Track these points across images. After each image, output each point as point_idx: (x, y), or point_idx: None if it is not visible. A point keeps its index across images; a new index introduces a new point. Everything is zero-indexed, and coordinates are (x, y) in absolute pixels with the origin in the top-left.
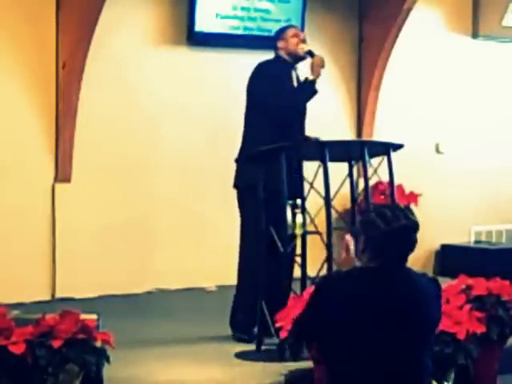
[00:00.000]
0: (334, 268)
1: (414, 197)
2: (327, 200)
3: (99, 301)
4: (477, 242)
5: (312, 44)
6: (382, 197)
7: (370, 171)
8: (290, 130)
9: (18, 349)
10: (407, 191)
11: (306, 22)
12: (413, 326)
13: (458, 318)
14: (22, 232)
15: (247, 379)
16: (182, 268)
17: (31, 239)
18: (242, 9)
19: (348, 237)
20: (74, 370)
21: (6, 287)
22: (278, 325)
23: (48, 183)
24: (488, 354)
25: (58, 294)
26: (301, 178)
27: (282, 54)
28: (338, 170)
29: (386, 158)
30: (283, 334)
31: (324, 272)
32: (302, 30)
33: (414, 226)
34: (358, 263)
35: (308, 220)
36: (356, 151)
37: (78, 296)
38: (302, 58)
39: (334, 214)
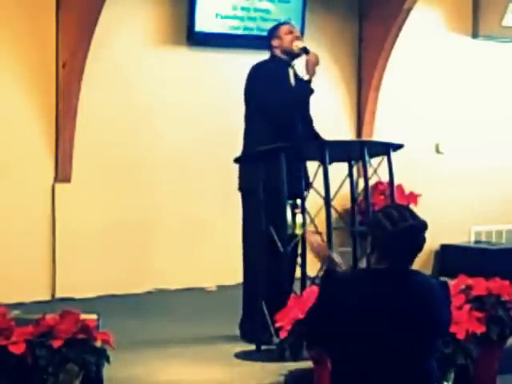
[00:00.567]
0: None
1: (413, 197)
2: (327, 200)
3: (99, 301)
4: (477, 242)
5: (312, 44)
6: (382, 197)
7: (369, 171)
8: (289, 130)
9: (17, 349)
10: (407, 191)
11: (306, 21)
12: (420, 328)
13: (457, 318)
14: (22, 232)
15: (247, 379)
16: (182, 268)
17: (31, 239)
18: (242, 9)
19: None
20: (74, 369)
21: (6, 287)
22: (277, 325)
23: (48, 183)
24: (488, 354)
25: (58, 294)
26: (301, 178)
27: (278, 52)
28: (338, 170)
29: (385, 158)
30: (283, 334)
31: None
32: (302, 30)
33: (422, 226)
34: (332, 253)
35: (308, 220)
36: (356, 151)
37: (77, 296)
38: (297, 55)
39: (333, 214)
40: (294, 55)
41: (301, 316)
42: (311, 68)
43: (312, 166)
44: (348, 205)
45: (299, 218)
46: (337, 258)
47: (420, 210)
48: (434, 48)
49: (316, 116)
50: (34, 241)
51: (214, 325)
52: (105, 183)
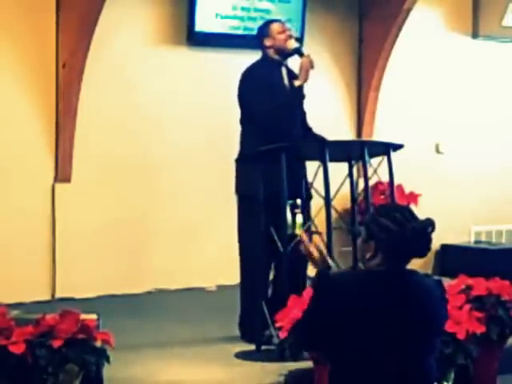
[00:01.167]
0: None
1: (413, 197)
2: (327, 200)
3: (99, 301)
4: (477, 242)
5: (312, 44)
6: (382, 197)
7: (369, 171)
8: (282, 135)
9: (18, 349)
10: (407, 191)
11: (306, 22)
12: (420, 328)
13: (457, 318)
14: (22, 232)
15: (247, 379)
16: (182, 268)
17: (31, 239)
18: (242, 9)
19: (304, 235)
20: (74, 369)
21: (6, 287)
22: (277, 325)
23: (48, 183)
24: (488, 354)
25: (58, 294)
26: (301, 179)
27: (271, 52)
28: (338, 170)
29: (385, 158)
30: (283, 334)
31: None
32: (302, 30)
33: (429, 225)
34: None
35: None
36: (356, 151)
37: (77, 296)
38: (290, 55)
39: (333, 214)
40: (287, 54)
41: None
42: (304, 73)
43: (312, 166)
44: (348, 205)
45: (299, 218)
46: (329, 260)
47: (420, 210)
48: (434, 48)
49: (316, 116)
50: (34, 241)
51: (214, 325)
52: (105, 183)
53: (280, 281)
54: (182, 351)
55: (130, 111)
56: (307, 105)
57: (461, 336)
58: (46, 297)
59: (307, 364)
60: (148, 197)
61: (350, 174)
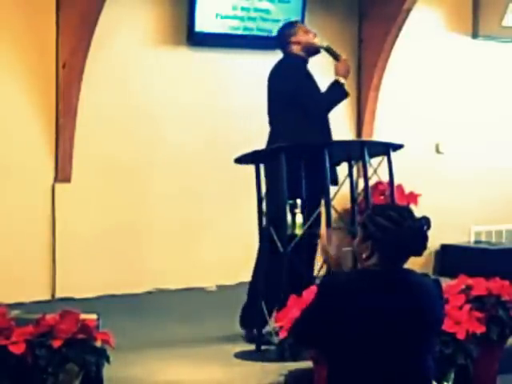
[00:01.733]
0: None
1: (413, 197)
2: (327, 200)
3: (99, 301)
4: (477, 242)
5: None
6: (382, 197)
7: (369, 171)
8: (323, 127)
9: (18, 349)
10: (407, 191)
11: (306, 22)
12: (419, 327)
13: (457, 318)
14: (22, 232)
15: (247, 379)
16: (182, 268)
17: (31, 239)
18: (242, 9)
19: (326, 232)
20: (74, 369)
21: (6, 287)
22: (277, 325)
23: (48, 183)
24: (488, 354)
25: (58, 294)
26: (301, 179)
27: (296, 49)
28: (338, 170)
29: (385, 158)
30: (283, 334)
31: (323, 272)
32: None
33: (425, 223)
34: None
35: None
36: (356, 151)
37: (77, 296)
38: (314, 53)
39: (333, 214)
40: (313, 52)
41: None
42: (347, 72)
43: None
44: (348, 205)
45: (299, 218)
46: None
47: (420, 210)
48: (433, 48)
49: None
50: (34, 241)
51: (214, 325)
52: (105, 183)
53: (276, 278)
54: (182, 351)
55: (130, 111)
56: None
57: (461, 336)
58: (46, 297)
59: (307, 364)
60: (148, 196)
61: (350, 174)
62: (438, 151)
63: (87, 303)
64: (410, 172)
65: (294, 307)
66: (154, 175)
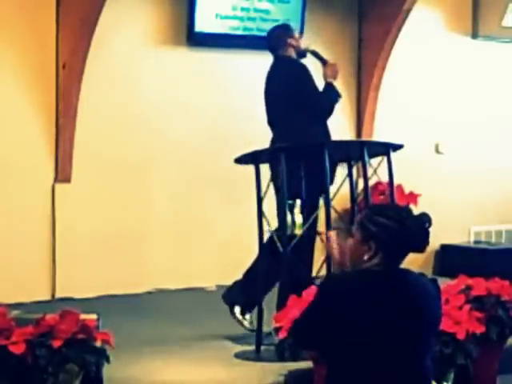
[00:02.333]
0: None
1: (413, 197)
2: (327, 200)
3: (99, 301)
4: (476, 242)
5: (311, 44)
6: (382, 197)
7: (369, 171)
8: (326, 127)
9: (18, 349)
10: (407, 191)
11: (306, 22)
12: (418, 327)
13: (457, 318)
14: (22, 232)
15: (247, 379)
16: (182, 268)
17: (31, 239)
18: (242, 9)
19: (332, 234)
20: (74, 369)
21: (6, 287)
22: (277, 325)
23: (48, 183)
24: (487, 354)
25: (58, 294)
26: (301, 179)
27: (291, 51)
28: (338, 170)
29: (385, 158)
30: (283, 334)
31: (323, 272)
32: (302, 30)
33: (426, 220)
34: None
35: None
36: (356, 151)
37: (77, 296)
38: (304, 55)
39: (333, 214)
40: (301, 55)
41: None
42: (336, 74)
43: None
44: (348, 205)
45: (299, 218)
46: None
47: (420, 210)
48: (433, 48)
49: None
50: (34, 241)
51: (214, 325)
52: (105, 183)
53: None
54: (182, 351)
55: (130, 111)
56: None
57: (461, 336)
58: (46, 297)
59: (307, 364)
60: (148, 196)
61: (350, 174)
62: (437, 151)
63: (87, 303)
64: (409, 172)
65: (294, 307)
66: (154, 175)
